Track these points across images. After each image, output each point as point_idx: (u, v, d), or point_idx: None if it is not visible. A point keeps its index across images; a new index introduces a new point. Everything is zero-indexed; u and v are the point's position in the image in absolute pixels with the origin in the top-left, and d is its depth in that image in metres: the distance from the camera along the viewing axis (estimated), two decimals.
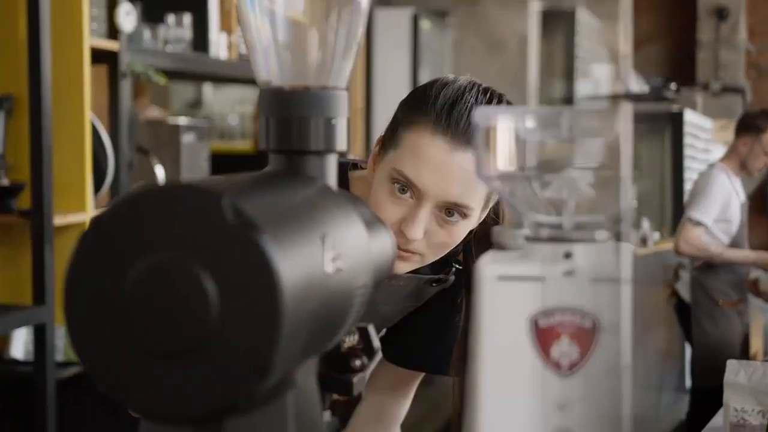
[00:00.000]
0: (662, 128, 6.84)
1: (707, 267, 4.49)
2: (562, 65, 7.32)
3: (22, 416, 2.52)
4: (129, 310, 0.63)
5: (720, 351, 4.37)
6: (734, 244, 4.49)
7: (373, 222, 0.89)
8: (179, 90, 5.40)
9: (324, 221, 0.73)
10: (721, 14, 9.33)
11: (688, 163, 6.98)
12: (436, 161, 1.25)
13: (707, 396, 4.29)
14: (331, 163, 0.85)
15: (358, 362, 0.91)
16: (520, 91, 5.65)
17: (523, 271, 0.70)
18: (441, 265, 1.42)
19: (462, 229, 1.30)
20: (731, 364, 2.01)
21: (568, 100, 7.40)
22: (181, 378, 0.62)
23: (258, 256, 0.61)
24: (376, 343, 0.97)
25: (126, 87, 2.77)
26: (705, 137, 7.53)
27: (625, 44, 5.64)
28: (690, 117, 7.05)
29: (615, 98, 5.50)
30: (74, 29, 2.53)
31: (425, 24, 5.02)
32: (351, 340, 0.94)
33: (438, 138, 1.25)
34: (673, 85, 6.61)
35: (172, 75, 3.30)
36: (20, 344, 2.67)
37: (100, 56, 2.71)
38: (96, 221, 0.65)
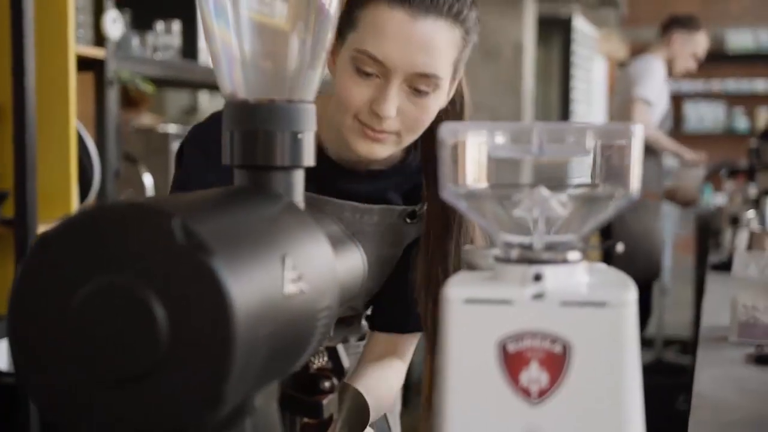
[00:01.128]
0: (551, 33, 6.94)
1: None
2: (559, 70, 7.33)
3: (6, 427, 2.50)
4: (75, 333, 0.60)
5: (642, 245, 4.37)
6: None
7: (341, 239, 0.86)
8: (174, 96, 5.38)
9: (285, 241, 0.70)
10: None
11: (573, 70, 7.11)
12: (397, 33, 1.21)
13: None
14: (298, 179, 0.82)
15: (327, 384, 0.89)
16: (515, 99, 5.63)
17: (491, 293, 0.67)
18: (411, 201, 1.41)
19: (434, 102, 1.27)
20: (740, 256, 1.88)
21: (564, 105, 7.43)
22: (128, 406, 0.60)
23: (209, 278, 0.59)
24: (346, 362, 0.94)
25: (113, 95, 2.74)
26: (591, 46, 7.69)
27: None
28: (578, 24, 7.13)
29: None
30: (60, 36, 2.50)
31: None
32: (319, 361, 0.91)
33: (396, 9, 1.22)
34: None
35: (161, 82, 3.27)
36: (3, 355, 2.64)
37: (86, 64, 2.68)
38: (44, 238, 0.62)
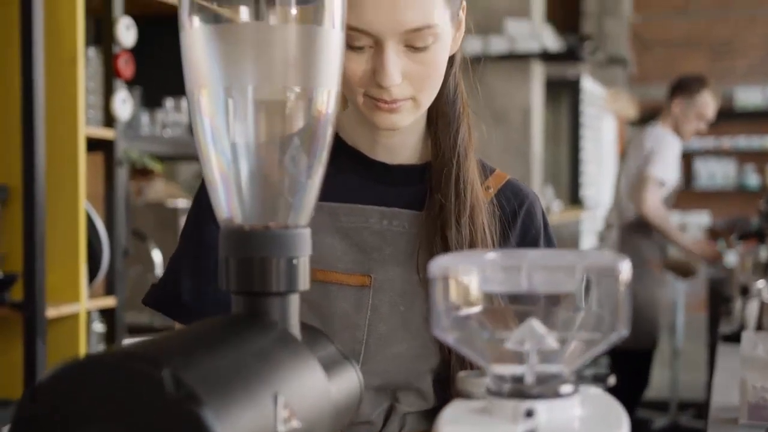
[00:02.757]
0: (559, 94, 6.97)
1: (640, 225, 4.49)
2: (568, 131, 7.37)
3: None
4: None
5: (646, 314, 4.34)
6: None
7: (336, 361, 0.86)
8: (186, 163, 5.42)
9: (278, 376, 0.70)
10: None
11: (582, 131, 7.13)
12: None
13: (628, 359, 4.26)
14: (294, 304, 0.83)
15: None
16: (524, 162, 5.66)
17: (481, 430, 0.67)
18: None
19: (439, 54, 1.17)
20: (747, 336, 1.86)
21: (574, 166, 7.45)
22: None
23: (199, 430, 0.59)
24: None
25: (122, 174, 2.77)
26: (599, 105, 7.72)
27: (537, 2, 5.64)
28: (587, 84, 7.16)
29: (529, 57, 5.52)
30: (70, 118, 2.53)
31: None
32: None
33: None
34: (587, 44, 6.63)
35: (171, 158, 3.31)
36: None
37: (96, 144, 2.71)
38: (35, 389, 0.62)
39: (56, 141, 2.51)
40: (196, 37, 0.81)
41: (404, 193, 1.28)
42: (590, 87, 7.48)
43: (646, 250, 4.51)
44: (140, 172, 3.85)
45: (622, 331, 0.70)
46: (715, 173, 10.24)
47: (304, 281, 0.83)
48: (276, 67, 0.80)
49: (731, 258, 6.14)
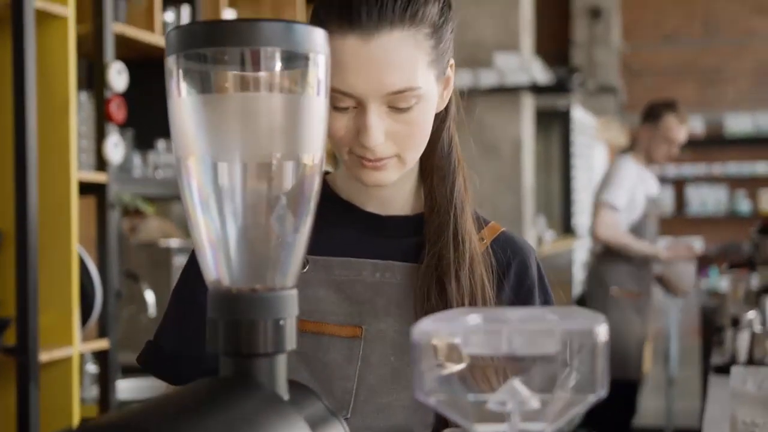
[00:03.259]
0: (550, 124, 7.03)
1: (606, 255, 4.54)
2: (559, 161, 7.41)
3: None
4: None
5: (619, 345, 4.35)
6: (634, 234, 4.58)
7: (324, 418, 0.88)
8: (179, 201, 5.41)
9: None
10: (594, 14, 9.59)
11: (573, 160, 7.18)
12: (354, 60, 1.14)
13: (612, 388, 4.22)
14: (281, 364, 0.84)
15: None
16: (515, 195, 5.68)
17: None
18: None
19: (422, 114, 1.18)
20: (736, 371, 1.86)
21: (566, 195, 7.49)
22: None
23: None
24: None
25: (114, 217, 2.78)
26: (590, 134, 7.77)
27: (526, 33, 5.69)
28: (577, 114, 7.22)
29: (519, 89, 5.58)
30: (62, 163, 2.55)
31: None
32: None
33: (347, 35, 1.14)
34: (576, 76, 6.69)
35: (163, 198, 3.32)
36: None
37: (88, 188, 2.73)
38: None
39: (49, 185, 2.53)
40: (183, 106, 0.83)
41: (398, 245, 1.29)
42: (581, 116, 7.53)
43: (609, 278, 4.56)
44: (134, 211, 3.86)
45: (600, 392, 0.72)
46: (707, 199, 10.29)
47: (291, 341, 0.84)
48: (262, 135, 0.82)
49: (723, 284, 6.16)
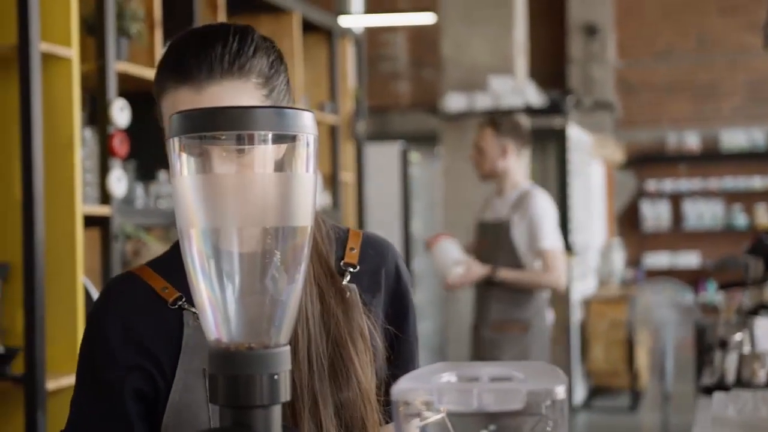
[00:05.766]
0: (546, 143, 7.10)
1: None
2: (555, 179, 7.50)
3: None
4: None
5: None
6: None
7: None
8: None
9: None
10: (590, 31, 9.67)
11: (569, 178, 7.27)
12: (191, 107, 1.16)
13: None
14: (276, 414, 0.93)
15: None
16: None
17: None
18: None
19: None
20: (719, 397, 1.92)
21: (563, 213, 7.57)
22: None
23: None
24: None
25: (117, 248, 2.87)
26: (586, 151, 7.86)
27: (520, 56, 5.73)
28: (573, 132, 7.31)
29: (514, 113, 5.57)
30: (68, 197, 2.64)
31: (414, 156, 5.16)
32: None
33: (181, 88, 1.23)
34: (570, 98, 6.75)
35: (165, 227, 3.41)
36: None
37: (92, 220, 2.82)
38: None
39: (55, 219, 2.62)
40: (185, 183, 0.92)
41: None
42: (576, 135, 7.62)
43: (504, 314, 4.11)
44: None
45: None
46: (704, 214, 10.37)
47: (285, 393, 0.93)
48: (257, 209, 0.91)
49: (719, 299, 6.23)
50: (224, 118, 0.91)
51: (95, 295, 2.75)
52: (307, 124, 0.93)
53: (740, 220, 10.23)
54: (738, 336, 3.26)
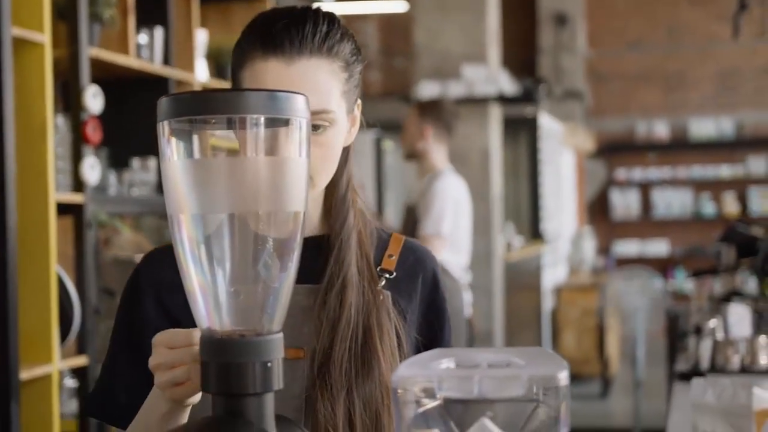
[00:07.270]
0: (517, 132, 7.15)
1: None
2: (527, 168, 7.53)
3: None
4: None
5: None
6: None
7: None
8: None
9: None
10: (560, 21, 9.72)
11: (541, 166, 7.32)
12: (276, 81, 1.24)
13: None
14: (269, 402, 0.91)
15: None
16: (484, 204, 5.76)
17: None
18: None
19: (334, 138, 1.27)
20: (697, 383, 1.92)
21: (534, 201, 7.60)
22: None
23: None
24: None
25: (91, 236, 2.84)
26: (557, 140, 7.92)
27: (493, 45, 5.74)
28: (544, 121, 7.36)
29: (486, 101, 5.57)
30: (40, 185, 2.60)
31: (387, 145, 5.14)
32: None
33: (270, 59, 1.25)
34: (543, 87, 6.77)
35: (138, 215, 3.38)
36: None
37: (65, 208, 2.78)
38: None
39: (27, 207, 2.58)
40: (175, 168, 0.90)
41: (306, 266, 1.35)
42: (547, 123, 7.64)
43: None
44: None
45: (563, 431, 0.79)
46: (672, 203, 10.44)
47: (277, 381, 0.91)
48: (248, 194, 0.90)
49: (689, 286, 6.28)
50: (215, 102, 0.89)
51: (68, 283, 2.71)
52: (299, 107, 0.91)
53: (708, 208, 10.31)
54: (712, 323, 3.28)
